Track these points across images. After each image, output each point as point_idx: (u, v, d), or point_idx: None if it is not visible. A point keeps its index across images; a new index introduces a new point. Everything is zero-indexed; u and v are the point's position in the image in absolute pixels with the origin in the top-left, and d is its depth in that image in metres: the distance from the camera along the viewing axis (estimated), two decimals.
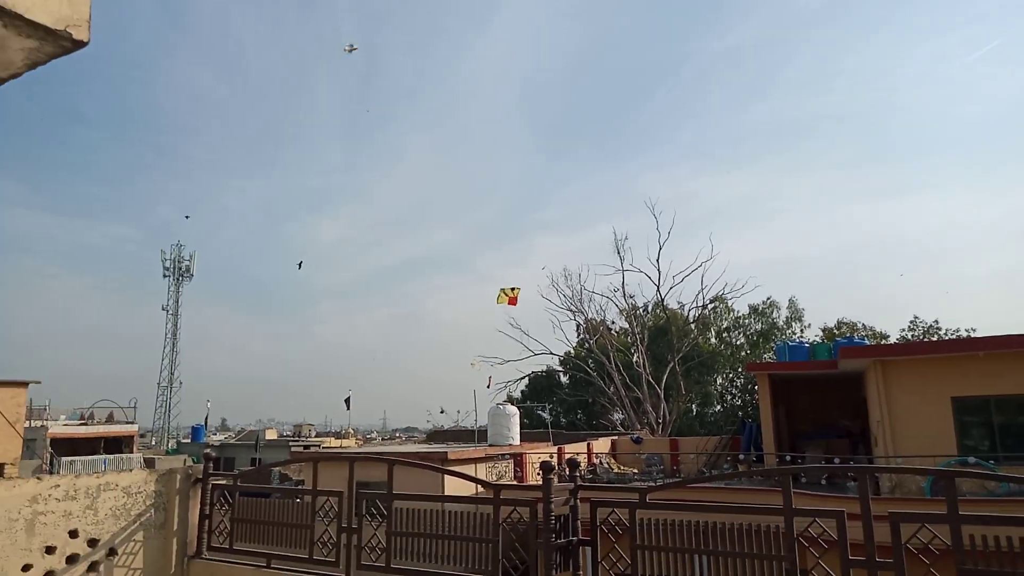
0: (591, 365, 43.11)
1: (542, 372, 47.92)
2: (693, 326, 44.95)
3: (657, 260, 42.90)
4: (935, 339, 39.83)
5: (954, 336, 40.07)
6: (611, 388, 40.76)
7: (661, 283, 42.41)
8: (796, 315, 47.29)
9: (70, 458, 33.09)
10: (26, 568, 5.21)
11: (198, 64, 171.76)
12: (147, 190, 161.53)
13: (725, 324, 48.45)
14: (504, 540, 5.21)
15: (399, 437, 76.04)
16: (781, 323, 47.25)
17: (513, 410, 23.85)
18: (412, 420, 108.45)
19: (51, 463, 32.39)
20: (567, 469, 5.76)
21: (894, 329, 44.24)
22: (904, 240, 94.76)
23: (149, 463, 35.11)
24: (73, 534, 5.56)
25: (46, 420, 37.38)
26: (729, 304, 46.44)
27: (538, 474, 6.94)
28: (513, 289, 29.80)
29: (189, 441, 53.27)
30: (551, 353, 44.75)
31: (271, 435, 56.19)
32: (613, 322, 47.00)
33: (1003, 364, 16.43)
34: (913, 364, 17.75)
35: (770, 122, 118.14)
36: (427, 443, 33.60)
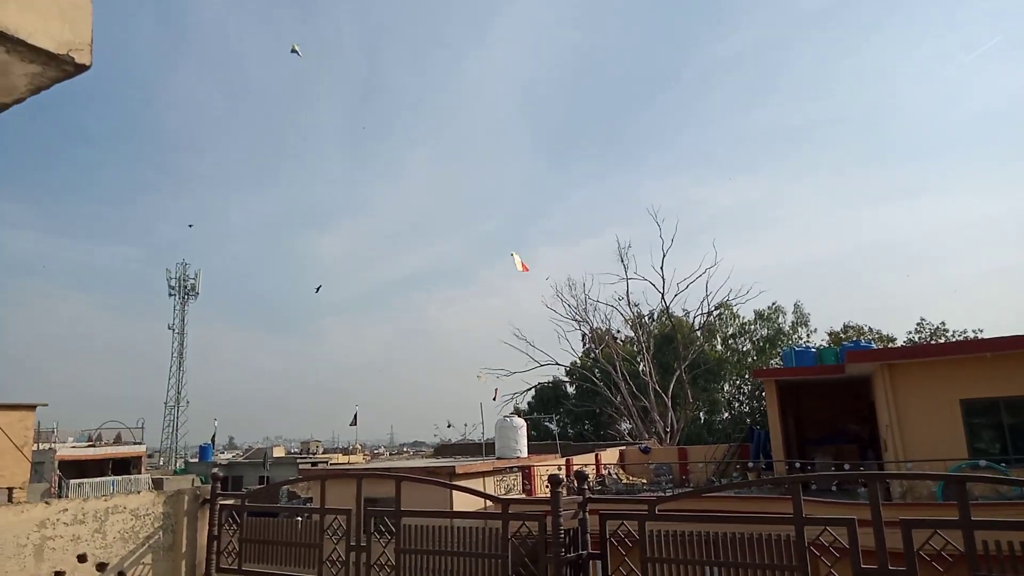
0: (597, 375, 43.01)
1: (548, 383, 47.81)
2: (699, 333, 44.84)
3: (661, 267, 43.04)
4: (942, 341, 39.64)
5: (961, 337, 39.87)
6: (618, 398, 40.63)
7: (665, 291, 42.38)
8: (802, 320, 47.16)
9: (78, 480, 33.06)
10: None
11: (200, 81, 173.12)
12: (151, 209, 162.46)
13: (731, 331, 48.31)
14: (514, 555, 5.18)
15: (407, 452, 75.84)
16: (787, 328, 47.09)
17: (520, 422, 23.77)
18: (419, 434, 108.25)
19: (60, 486, 32.36)
20: (575, 482, 5.73)
21: (901, 332, 44.19)
22: (908, 242, 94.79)
23: (157, 484, 35.08)
24: (82, 558, 5.55)
25: (54, 443, 37.40)
26: (734, 310, 46.38)
27: (547, 487, 6.91)
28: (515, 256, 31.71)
29: (197, 460, 53.20)
30: (557, 364, 44.70)
31: (279, 452, 56.08)
32: (618, 331, 46.96)
33: (1012, 365, 16.32)
34: (921, 367, 17.65)
35: (771, 127, 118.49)
36: (435, 457, 33.50)
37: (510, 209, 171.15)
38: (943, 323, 42.50)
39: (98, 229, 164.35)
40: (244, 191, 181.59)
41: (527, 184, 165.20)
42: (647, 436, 36.82)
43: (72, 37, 2.09)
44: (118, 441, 41.00)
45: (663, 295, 42.44)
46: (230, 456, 64.16)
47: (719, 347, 47.48)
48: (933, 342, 39.27)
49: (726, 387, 47.37)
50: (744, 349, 47.62)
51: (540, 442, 31.20)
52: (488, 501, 7.07)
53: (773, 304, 47.47)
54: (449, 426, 43.90)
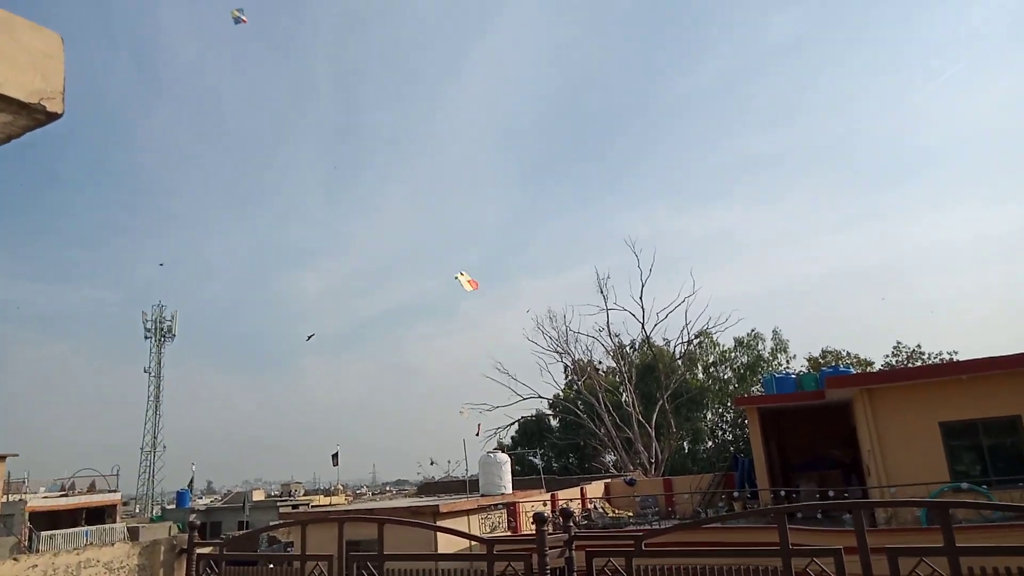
0: (580, 407, 42.83)
1: (531, 416, 47.53)
2: (680, 362, 44.95)
3: (640, 297, 43.08)
4: (919, 363, 40.09)
5: (937, 359, 40.38)
6: (602, 429, 40.45)
7: (646, 320, 42.54)
8: (781, 346, 47.48)
9: (50, 532, 32.07)
10: None
11: (175, 123, 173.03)
12: (126, 251, 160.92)
13: (711, 358, 48.50)
14: None
15: (389, 491, 74.68)
16: (767, 355, 47.37)
17: (504, 458, 23.55)
18: (402, 472, 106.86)
19: (30, 539, 31.36)
20: (561, 518, 5.66)
21: (878, 355, 44.54)
22: (880, 266, 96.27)
23: (133, 533, 34.12)
24: None
25: (24, 493, 36.34)
26: (714, 338, 46.62)
27: (532, 524, 6.83)
28: (463, 274, 29.24)
29: (174, 507, 51.91)
30: (540, 397, 44.49)
31: (258, 496, 54.93)
32: (600, 362, 46.94)
33: (987, 386, 16.52)
34: (899, 391, 17.80)
35: (742, 155, 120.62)
36: (418, 496, 33.01)
37: (490, 242, 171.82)
38: (919, 346, 43.07)
39: (73, 273, 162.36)
40: (221, 231, 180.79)
41: (506, 218, 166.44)
42: (632, 467, 36.61)
43: (44, 86, 2.09)
44: (92, 489, 39.95)
45: (643, 325, 42.64)
46: (208, 501, 62.80)
47: (700, 375, 47.61)
48: (910, 365, 39.70)
49: (709, 415, 47.40)
50: (725, 377, 47.78)
51: (525, 477, 30.90)
52: (473, 541, 6.96)
53: (752, 331, 47.85)
54: (432, 463, 43.30)
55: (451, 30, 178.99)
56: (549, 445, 46.48)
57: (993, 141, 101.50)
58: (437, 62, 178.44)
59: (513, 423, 45.88)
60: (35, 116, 2.13)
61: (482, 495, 21.88)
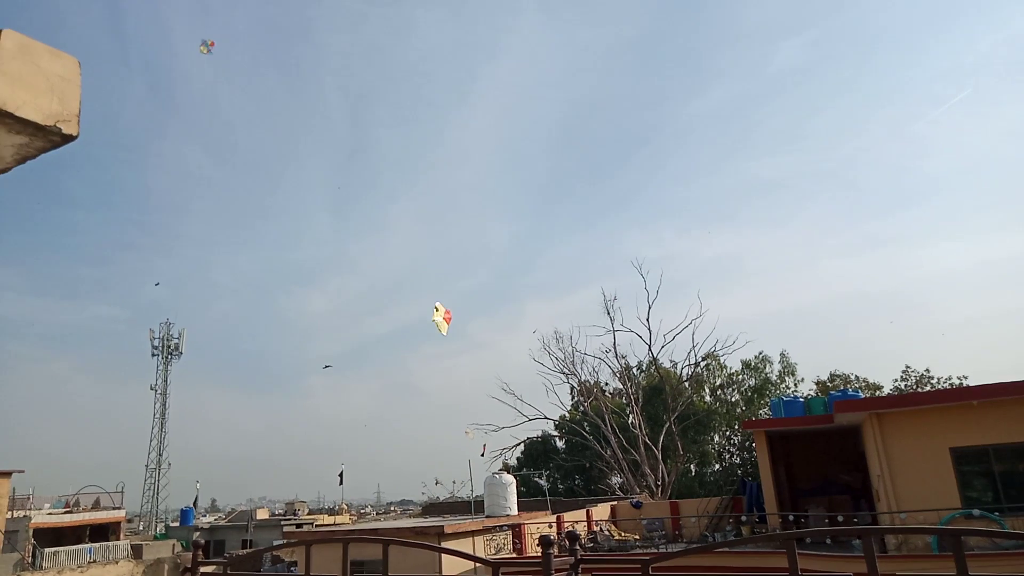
0: (587, 428, 42.60)
1: (537, 438, 47.25)
2: (687, 384, 44.70)
3: (647, 319, 42.97)
4: (928, 388, 39.75)
5: (947, 384, 40.00)
6: (608, 451, 40.18)
7: (652, 342, 42.38)
8: (789, 369, 47.15)
9: (54, 549, 31.97)
10: None
11: (187, 144, 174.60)
12: (135, 269, 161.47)
13: (719, 381, 48.18)
14: None
15: (394, 511, 74.21)
16: (774, 378, 47.03)
17: (509, 479, 23.41)
18: (407, 492, 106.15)
19: (33, 555, 31.27)
20: (567, 542, 5.62)
21: (887, 379, 44.21)
22: (888, 291, 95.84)
23: (136, 551, 34.01)
24: None
25: (29, 510, 36.28)
26: (721, 361, 46.34)
27: (537, 546, 6.77)
28: (438, 309, 27.17)
29: (178, 525, 51.69)
30: (546, 418, 44.26)
31: (262, 514, 54.64)
32: (607, 383, 46.72)
33: (999, 412, 16.35)
34: (909, 416, 17.64)
35: (749, 180, 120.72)
36: (423, 516, 32.80)
37: (496, 263, 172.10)
38: (927, 370, 42.69)
39: (80, 290, 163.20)
40: (230, 250, 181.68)
41: (513, 239, 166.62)
42: (638, 490, 36.31)
43: (60, 109, 2.12)
44: (97, 506, 39.84)
45: (650, 346, 42.47)
46: (212, 519, 62.46)
47: (707, 398, 47.28)
48: (919, 390, 39.36)
49: (716, 438, 47.00)
50: (733, 399, 47.43)
51: (530, 498, 30.69)
52: (478, 563, 6.91)
53: (760, 354, 47.53)
54: (437, 483, 43.06)
55: (460, 55, 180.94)
56: (555, 467, 46.17)
57: (1001, 168, 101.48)
58: (446, 86, 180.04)
59: (519, 444, 45.65)
60: (51, 138, 2.17)
61: (487, 516, 21.73)
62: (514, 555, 19.23)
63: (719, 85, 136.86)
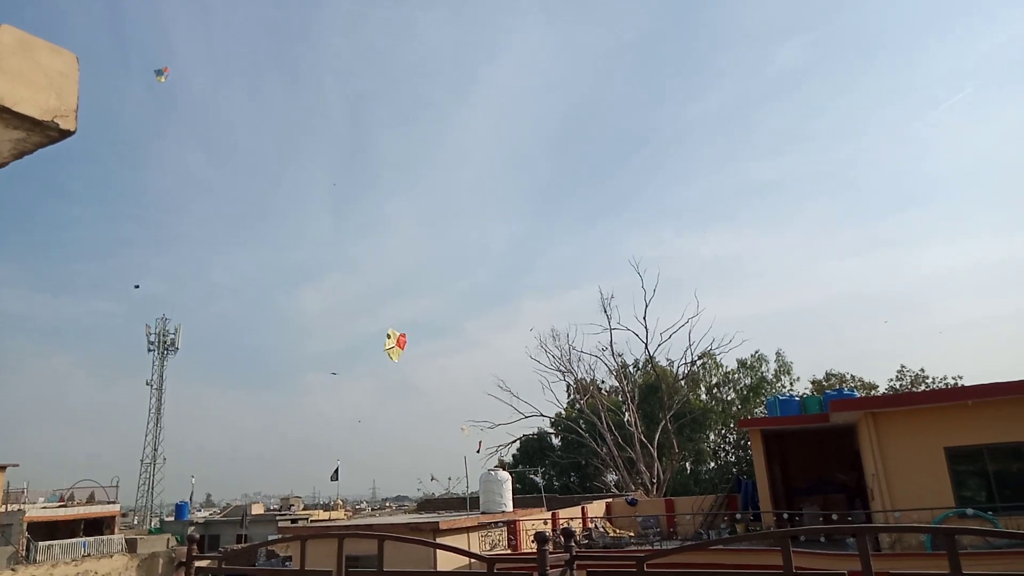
0: (582, 426, 42.66)
1: (533, 435, 47.32)
2: (683, 383, 44.78)
3: (644, 318, 43.02)
4: (923, 388, 39.87)
5: (941, 384, 40.13)
6: (603, 449, 40.26)
7: (649, 340, 42.46)
8: (785, 368, 47.26)
9: (48, 543, 31.95)
10: None
11: (187, 144, 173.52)
12: (132, 265, 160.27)
13: (714, 380, 48.28)
14: None
15: (389, 507, 74.22)
16: (770, 377, 47.14)
17: (505, 476, 23.46)
18: (402, 488, 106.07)
19: (28, 549, 31.23)
20: (562, 538, 5.63)
21: (882, 379, 44.31)
22: (885, 291, 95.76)
23: (131, 545, 33.97)
24: None
25: (23, 503, 36.22)
26: (717, 359, 46.44)
27: (532, 542, 6.79)
28: (391, 336, 25.99)
29: (173, 519, 51.64)
30: (542, 415, 44.35)
31: (257, 510, 54.61)
32: (603, 381, 46.79)
33: (993, 412, 16.42)
34: (904, 415, 17.70)
35: (747, 181, 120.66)
36: (418, 512, 32.84)
37: (495, 263, 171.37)
38: (922, 370, 42.84)
39: (77, 285, 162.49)
40: (228, 249, 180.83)
41: (511, 238, 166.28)
42: (633, 487, 36.39)
43: (58, 104, 2.11)
44: (91, 500, 39.81)
45: (647, 345, 42.55)
46: (207, 514, 62.48)
47: (703, 396, 47.38)
48: (914, 389, 39.49)
49: (711, 436, 47.12)
50: (728, 398, 47.53)
51: (526, 495, 30.75)
52: (473, 559, 6.92)
53: (756, 352, 47.64)
54: (433, 480, 43.09)
55: (461, 55, 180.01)
56: (550, 463, 46.25)
57: (1001, 169, 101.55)
58: (446, 87, 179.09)
59: (514, 441, 45.74)
60: (48, 133, 2.16)
61: (482, 512, 21.77)
62: (509, 551, 19.27)
63: (719, 86, 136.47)
